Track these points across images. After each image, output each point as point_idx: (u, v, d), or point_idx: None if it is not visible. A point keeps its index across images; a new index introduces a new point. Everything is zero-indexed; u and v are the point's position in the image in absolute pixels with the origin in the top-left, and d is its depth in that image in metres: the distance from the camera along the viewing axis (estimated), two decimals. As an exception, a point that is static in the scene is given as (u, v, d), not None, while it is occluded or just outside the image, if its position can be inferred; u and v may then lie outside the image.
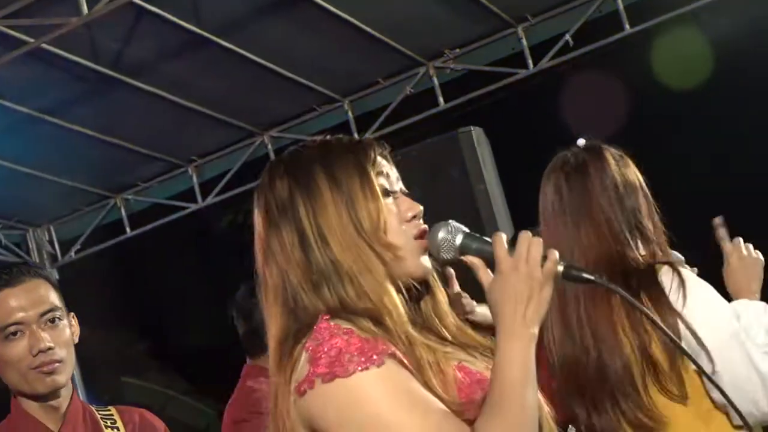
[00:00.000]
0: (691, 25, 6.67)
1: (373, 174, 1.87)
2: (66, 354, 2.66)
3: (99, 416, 2.78)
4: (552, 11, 6.79)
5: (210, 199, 7.72)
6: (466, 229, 1.88)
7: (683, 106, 7.18)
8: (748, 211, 2.75)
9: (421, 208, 1.90)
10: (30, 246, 8.08)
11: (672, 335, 2.27)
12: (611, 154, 2.75)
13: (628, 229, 2.66)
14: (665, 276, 2.57)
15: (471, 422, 1.71)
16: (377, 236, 1.82)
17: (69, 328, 2.71)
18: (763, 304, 2.62)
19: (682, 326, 2.49)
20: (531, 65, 6.86)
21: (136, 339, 10.25)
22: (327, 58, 6.71)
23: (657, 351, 2.53)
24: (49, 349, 2.62)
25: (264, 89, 6.86)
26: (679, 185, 5.60)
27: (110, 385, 9.44)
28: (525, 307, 1.74)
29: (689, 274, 2.59)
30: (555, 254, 1.78)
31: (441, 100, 7.09)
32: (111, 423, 2.78)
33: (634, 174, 2.75)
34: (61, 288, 2.76)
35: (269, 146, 7.49)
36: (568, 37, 6.74)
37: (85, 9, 5.25)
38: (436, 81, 7.08)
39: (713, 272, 2.69)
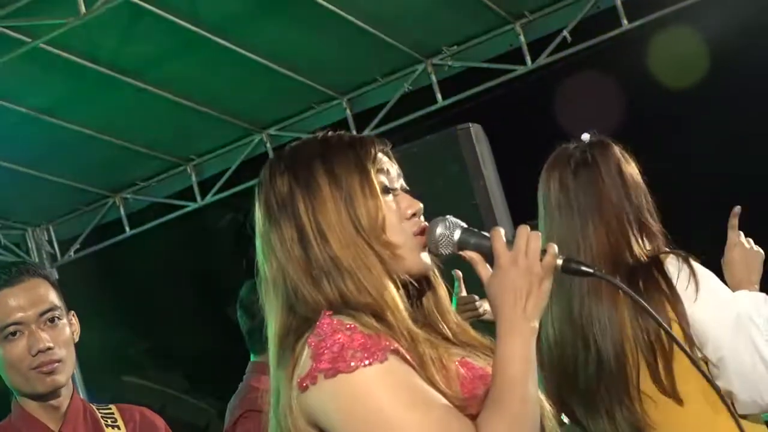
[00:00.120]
0: (690, 20, 6.67)
1: (372, 171, 1.87)
2: (66, 354, 2.65)
3: (100, 415, 2.77)
4: (549, 7, 6.79)
5: (209, 198, 7.73)
6: (464, 224, 1.88)
7: (681, 103, 7.18)
8: (747, 210, 2.74)
9: (421, 205, 1.90)
10: (29, 246, 8.09)
11: (667, 328, 2.28)
12: (618, 149, 2.76)
13: (636, 224, 2.67)
14: (671, 264, 2.58)
15: (474, 417, 1.71)
16: (376, 234, 1.82)
17: (69, 327, 2.70)
18: (764, 294, 2.63)
19: (690, 314, 2.51)
20: (529, 62, 6.87)
21: (136, 338, 10.25)
22: (325, 55, 6.72)
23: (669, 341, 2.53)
24: (49, 349, 2.61)
25: (262, 87, 6.86)
26: (677, 182, 5.59)
27: (110, 384, 9.44)
28: (525, 301, 1.74)
29: (695, 263, 2.60)
30: (554, 247, 1.78)
31: (439, 97, 7.09)
32: (112, 422, 2.77)
33: (636, 170, 2.76)
34: (61, 287, 2.74)
35: (268, 144, 7.50)
36: (565, 33, 6.74)
37: (83, 8, 5.26)
38: (434, 78, 7.09)
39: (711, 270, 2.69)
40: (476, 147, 5.26)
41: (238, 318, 3.88)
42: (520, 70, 6.92)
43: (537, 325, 1.75)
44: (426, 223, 1.89)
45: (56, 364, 2.63)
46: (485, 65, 7.01)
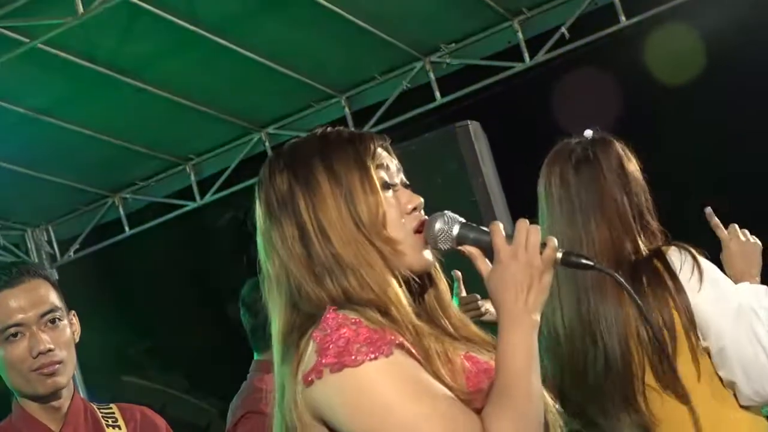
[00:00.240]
0: (687, 17, 6.67)
1: (372, 167, 1.87)
2: (66, 355, 2.65)
3: (100, 415, 2.77)
4: (547, 4, 6.79)
5: (208, 197, 7.72)
6: (463, 220, 1.88)
7: (678, 100, 7.18)
8: (745, 207, 2.76)
9: (422, 200, 1.90)
10: (29, 246, 8.08)
11: (654, 326, 2.29)
12: (619, 146, 2.76)
13: (639, 221, 2.68)
14: (674, 256, 2.59)
15: (479, 411, 1.71)
16: (376, 230, 1.82)
17: (69, 328, 2.69)
18: (764, 287, 2.63)
19: (695, 305, 2.52)
20: (527, 59, 6.86)
21: (136, 338, 10.25)
22: (324, 54, 6.72)
23: (678, 327, 2.53)
24: (50, 350, 2.60)
25: (261, 86, 6.86)
26: (674, 179, 5.60)
27: (110, 384, 9.44)
28: (526, 294, 1.75)
29: (698, 254, 2.61)
30: (553, 241, 1.79)
31: (438, 94, 7.09)
32: (113, 421, 2.77)
33: (637, 168, 2.76)
34: (61, 288, 2.73)
35: (267, 143, 7.49)
36: (563, 30, 6.74)
37: (81, 8, 5.25)
38: (432, 76, 7.08)
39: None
40: (475, 144, 5.26)
41: (240, 316, 3.88)
42: (519, 67, 6.91)
43: (538, 318, 1.76)
44: (426, 218, 1.89)
45: (57, 365, 2.62)
46: (483, 62, 7.00)
